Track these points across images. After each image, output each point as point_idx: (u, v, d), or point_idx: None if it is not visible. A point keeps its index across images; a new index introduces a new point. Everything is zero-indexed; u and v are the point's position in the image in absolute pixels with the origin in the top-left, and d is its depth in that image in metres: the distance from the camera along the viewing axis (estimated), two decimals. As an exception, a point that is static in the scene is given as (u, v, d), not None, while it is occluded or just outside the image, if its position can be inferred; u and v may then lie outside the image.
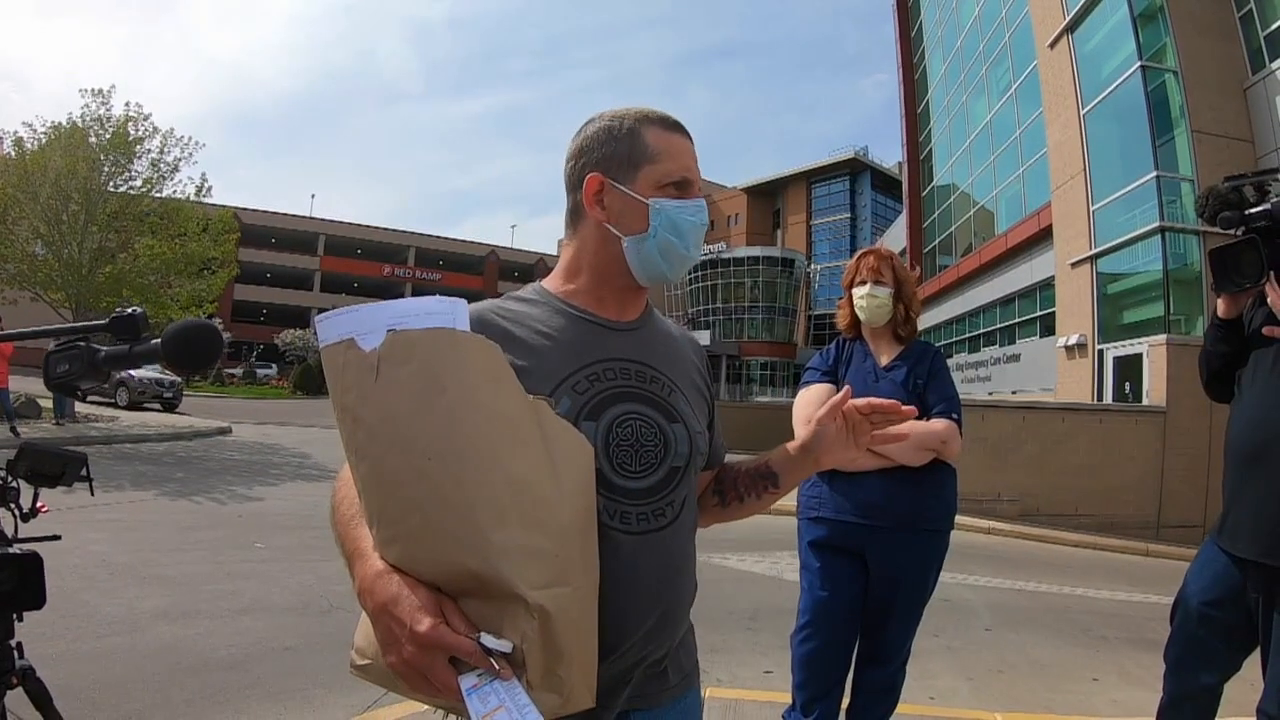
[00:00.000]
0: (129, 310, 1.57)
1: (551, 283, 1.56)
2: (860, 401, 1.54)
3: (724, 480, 1.70)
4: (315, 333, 1.22)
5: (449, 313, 1.17)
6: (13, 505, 1.93)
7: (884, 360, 3.22)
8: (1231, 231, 2.74)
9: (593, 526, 1.25)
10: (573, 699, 1.17)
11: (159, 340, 1.52)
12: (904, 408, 1.52)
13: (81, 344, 1.60)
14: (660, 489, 1.40)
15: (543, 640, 1.10)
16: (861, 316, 3.27)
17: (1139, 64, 17.16)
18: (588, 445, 1.26)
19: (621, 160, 1.47)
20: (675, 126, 1.52)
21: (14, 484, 1.92)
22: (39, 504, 1.99)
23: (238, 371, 47.89)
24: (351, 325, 1.17)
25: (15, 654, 1.89)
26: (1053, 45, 20.93)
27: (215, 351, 1.54)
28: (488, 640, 1.08)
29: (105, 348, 1.60)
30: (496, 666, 1.08)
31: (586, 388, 1.39)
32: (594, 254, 1.51)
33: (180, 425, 19.33)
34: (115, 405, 24.48)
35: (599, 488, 1.31)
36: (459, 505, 1.10)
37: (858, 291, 3.27)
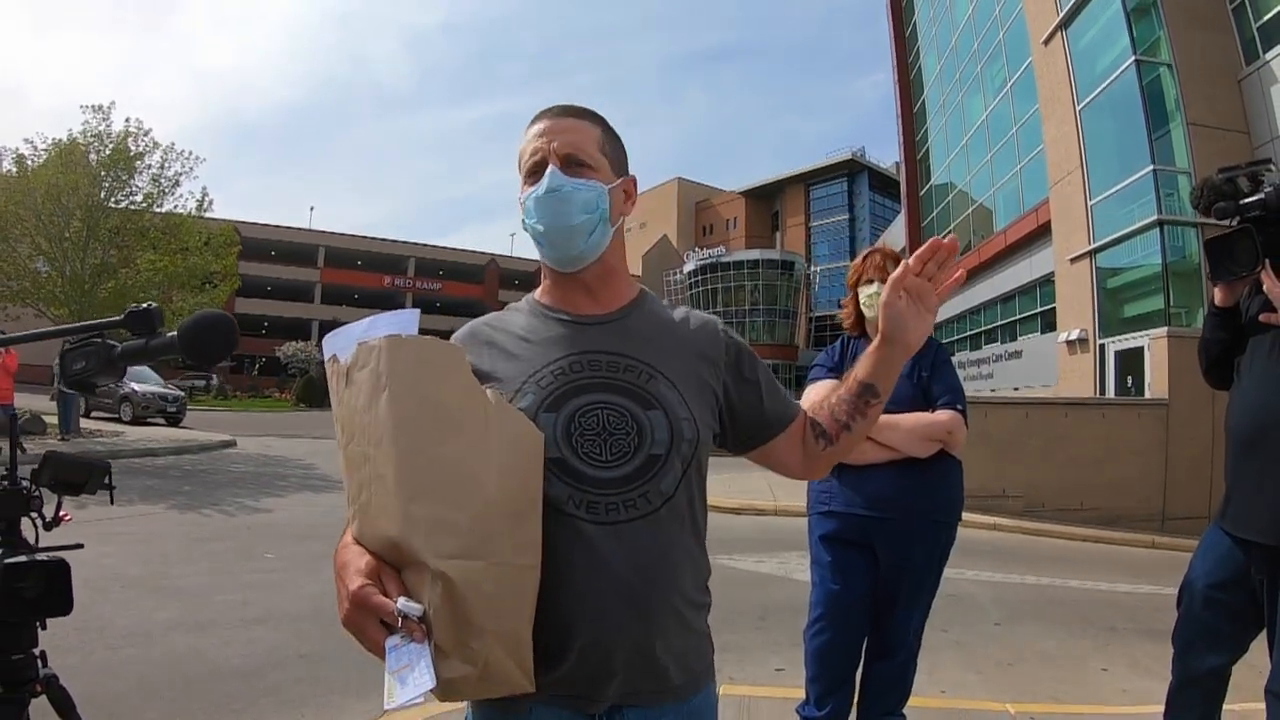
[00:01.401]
0: (145, 305, 1.59)
1: (537, 291, 1.66)
2: (911, 263, 1.51)
3: (821, 422, 1.66)
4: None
5: (403, 322, 1.36)
6: (35, 514, 1.95)
7: None
8: (1226, 221, 2.78)
9: (532, 510, 1.31)
10: (495, 675, 1.24)
11: (175, 334, 1.54)
12: (945, 241, 1.49)
13: (97, 340, 1.62)
14: (636, 478, 1.39)
15: (448, 608, 1.18)
16: (868, 314, 3.28)
17: (1133, 58, 17.21)
18: (536, 433, 1.34)
19: (520, 175, 1.58)
20: (539, 116, 1.58)
21: (37, 492, 1.95)
22: (62, 513, 2.01)
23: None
24: (338, 344, 1.38)
25: (39, 662, 1.91)
26: (1047, 42, 20.98)
27: (231, 342, 1.57)
28: (402, 603, 1.19)
29: (120, 343, 1.63)
30: (409, 629, 1.18)
31: (550, 382, 1.44)
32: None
33: (185, 439, 19.31)
34: (119, 420, 24.46)
35: (564, 477, 1.37)
36: (389, 481, 1.24)
37: (865, 290, 3.28)
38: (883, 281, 3.22)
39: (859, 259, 3.40)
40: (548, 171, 1.50)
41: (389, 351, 1.29)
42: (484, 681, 1.23)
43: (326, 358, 1.40)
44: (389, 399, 1.26)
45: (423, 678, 1.14)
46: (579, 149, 1.53)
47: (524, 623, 1.28)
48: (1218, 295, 2.91)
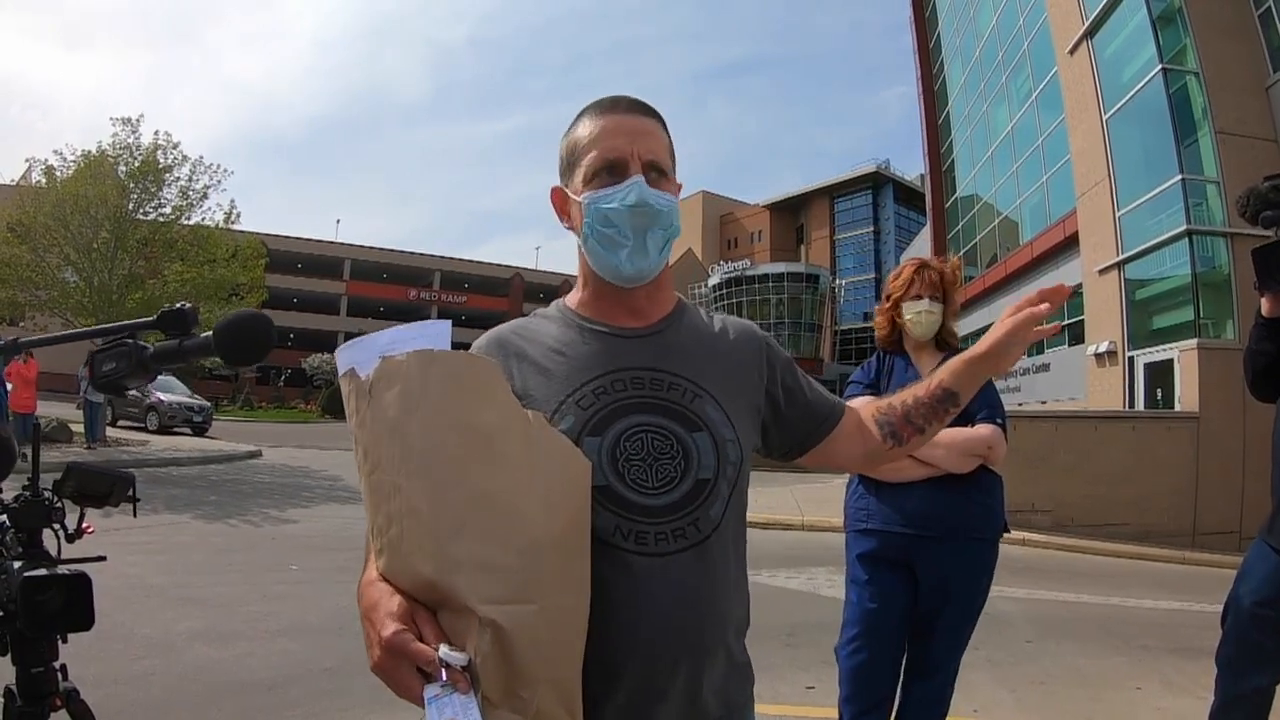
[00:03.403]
0: (178, 305, 1.55)
1: (570, 297, 1.56)
2: (1041, 303, 1.54)
3: (893, 421, 1.64)
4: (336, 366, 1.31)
5: (432, 335, 1.25)
6: (58, 526, 1.92)
7: (926, 370, 3.16)
8: (1272, 231, 2.72)
9: (580, 545, 1.20)
10: None
11: (210, 334, 1.50)
12: (1068, 288, 1.57)
13: (129, 341, 1.58)
14: (685, 505, 1.31)
15: (497, 656, 1.09)
16: (915, 331, 3.17)
17: (1160, 67, 17.02)
18: (583, 461, 1.23)
19: (566, 163, 1.48)
20: (611, 105, 1.46)
21: (59, 504, 1.92)
22: (85, 525, 1.99)
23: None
24: (355, 356, 1.25)
25: (59, 676, 1.88)
26: (1072, 51, 20.81)
27: (268, 341, 1.51)
28: (444, 652, 1.09)
29: (152, 345, 1.59)
30: (453, 679, 1.09)
31: (592, 402, 1.35)
32: (580, 261, 1.51)
33: (211, 449, 19.45)
34: (146, 429, 24.66)
35: (611, 506, 1.28)
36: (424, 517, 1.15)
37: (914, 306, 3.15)
38: (933, 298, 3.14)
39: (908, 271, 3.24)
40: (635, 181, 1.39)
41: (419, 369, 1.19)
42: None
43: (342, 370, 1.27)
44: (422, 424, 1.17)
45: None
46: (659, 157, 1.44)
47: (575, 667, 1.19)
48: (1265, 305, 2.84)
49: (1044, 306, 1.53)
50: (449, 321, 1.29)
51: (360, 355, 1.24)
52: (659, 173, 1.43)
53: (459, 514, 1.14)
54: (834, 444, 1.64)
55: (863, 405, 1.72)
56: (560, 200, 1.51)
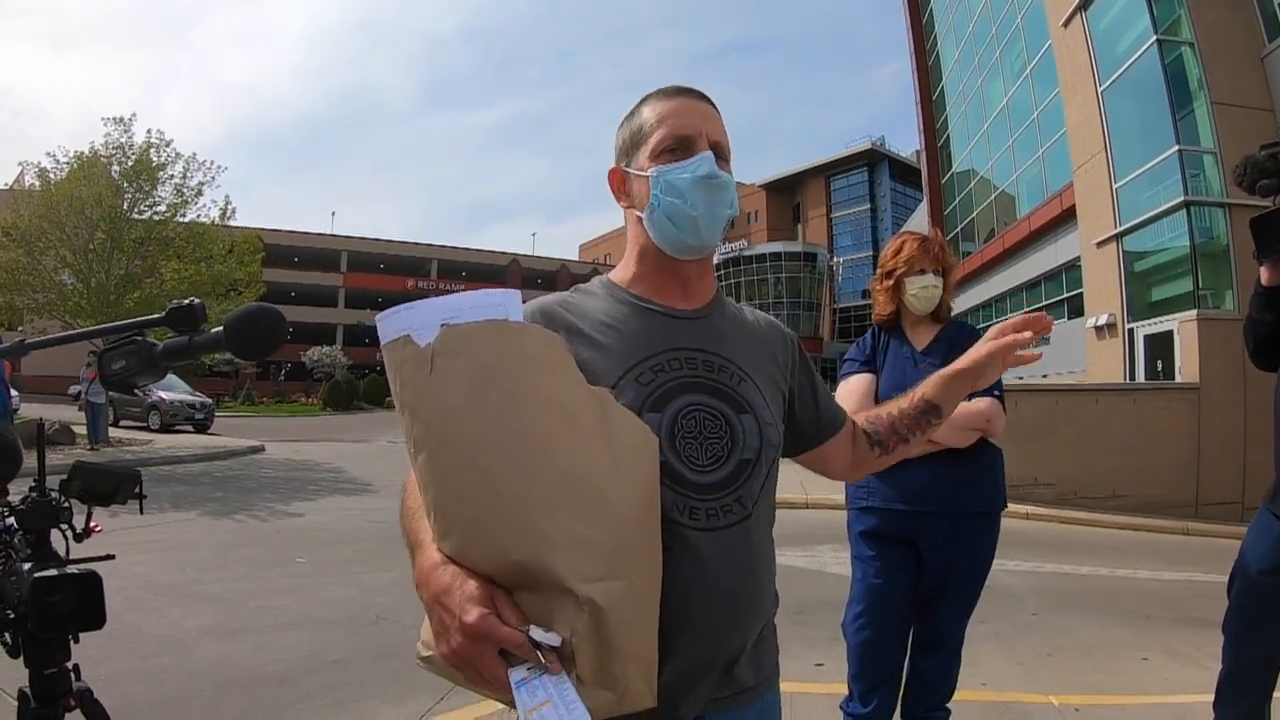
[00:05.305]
0: (187, 301, 1.54)
1: (615, 274, 1.58)
2: (1021, 323, 1.67)
3: (879, 430, 1.73)
4: (378, 332, 1.23)
5: (502, 304, 1.18)
6: (65, 525, 1.92)
7: (921, 344, 3.15)
8: (1270, 199, 2.71)
9: (655, 520, 1.22)
10: (629, 697, 1.14)
11: (220, 329, 1.49)
12: (1048, 319, 1.67)
13: (138, 339, 1.57)
14: (730, 483, 1.36)
15: (594, 635, 1.08)
16: (917, 305, 3.13)
17: (1155, 38, 16.95)
18: (652, 437, 1.24)
19: (629, 144, 1.52)
20: (676, 92, 1.52)
21: (66, 504, 1.92)
22: (93, 524, 1.99)
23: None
24: (408, 322, 1.18)
25: (73, 676, 1.88)
26: (1066, 24, 20.72)
27: (280, 334, 1.50)
28: (536, 633, 1.07)
29: (161, 342, 1.58)
30: (545, 660, 1.07)
31: (651, 379, 1.37)
32: (633, 241, 1.55)
33: (214, 446, 19.42)
34: (148, 429, 24.62)
35: (668, 481, 1.29)
36: (510, 497, 1.11)
37: (919, 280, 3.10)
38: (936, 272, 3.12)
39: (912, 245, 3.17)
40: (705, 156, 1.45)
41: (498, 341, 1.15)
42: (619, 705, 1.13)
43: (390, 337, 1.20)
44: (506, 400, 1.13)
45: (574, 712, 1.05)
46: (721, 139, 1.50)
47: (654, 642, 1.19)
48: (1264, 274, 2.83)
49: (1027, 334, 1.65)
50: (518, 291, 1.23)
51: (415, 321, 1.18)
52: (721, 156, 1.48)
53: (550, 493, 1.12)
54: (830, 449, 1.72)
55: (855, 414, 1.80)
56: (619, 180, 1.54)
